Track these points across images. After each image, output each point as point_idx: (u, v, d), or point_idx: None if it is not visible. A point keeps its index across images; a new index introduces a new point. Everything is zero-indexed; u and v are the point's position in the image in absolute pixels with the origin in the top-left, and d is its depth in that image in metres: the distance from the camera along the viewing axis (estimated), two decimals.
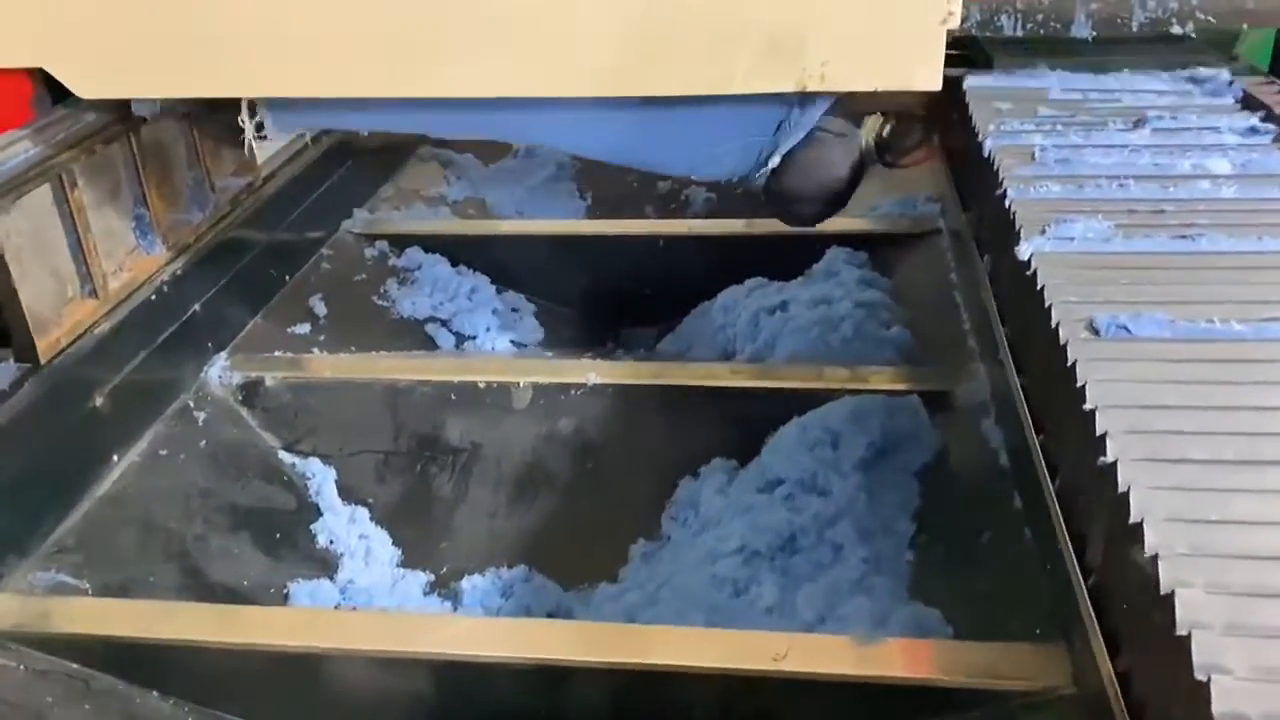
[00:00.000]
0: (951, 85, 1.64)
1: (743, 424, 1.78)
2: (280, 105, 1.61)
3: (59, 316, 1.60)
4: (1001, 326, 1.52)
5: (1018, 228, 1.32)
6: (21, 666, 1.32)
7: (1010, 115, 1.64)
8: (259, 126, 1.62)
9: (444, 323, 2.29)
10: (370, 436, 1.85)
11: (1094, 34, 1.62)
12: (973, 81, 1.73)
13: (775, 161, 1.72)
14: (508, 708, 1.31)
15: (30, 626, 1.33)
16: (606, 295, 2.50)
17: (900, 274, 2.22)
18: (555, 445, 1.83)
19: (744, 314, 2.09)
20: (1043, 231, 1.29)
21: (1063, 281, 1.13)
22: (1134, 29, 1.61)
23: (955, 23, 1.35)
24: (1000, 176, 1.52)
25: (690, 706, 1.26)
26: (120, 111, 1.70)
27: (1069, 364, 1.00)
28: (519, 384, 1.84)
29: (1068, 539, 1.16)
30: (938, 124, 1.86)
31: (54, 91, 1.63)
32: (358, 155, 2.56)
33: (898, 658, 1.22)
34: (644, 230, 2.48)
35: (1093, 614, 1.08)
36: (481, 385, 1.85)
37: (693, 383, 1.81)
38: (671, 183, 2.88)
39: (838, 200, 1.83)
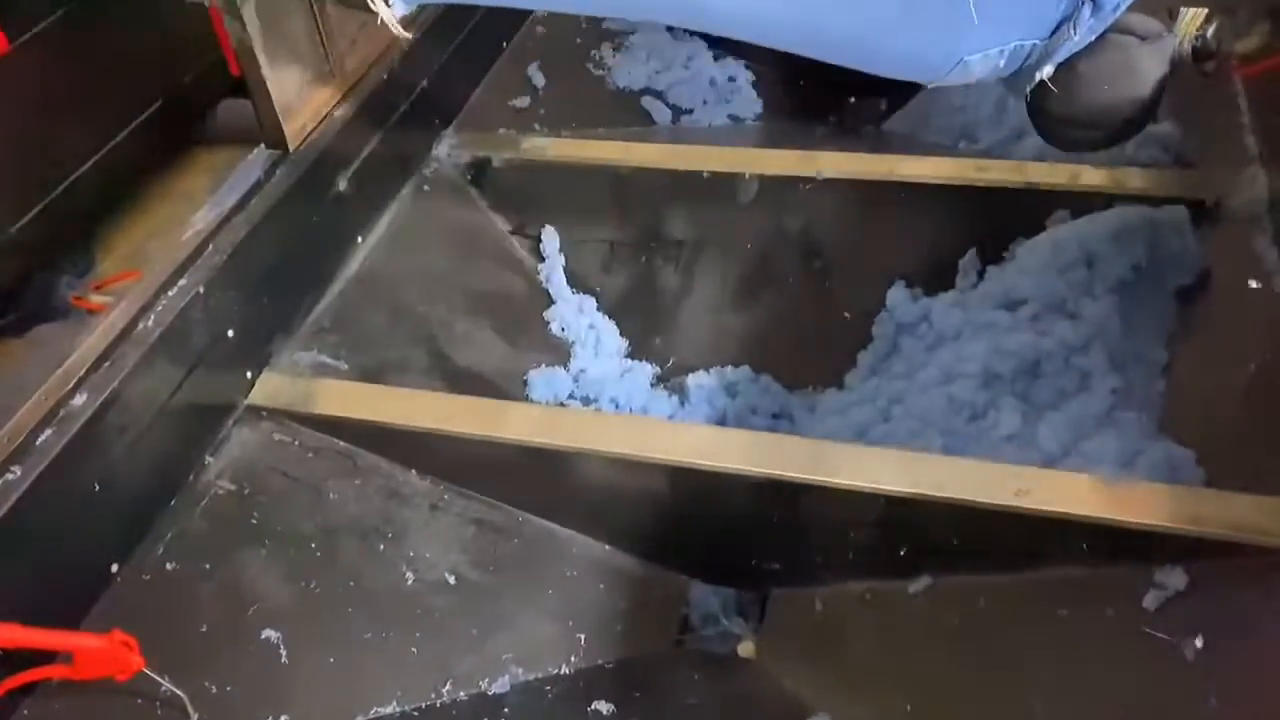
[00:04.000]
0: None
1: (986, 224, 1.68)
2: None
3: (301, 102, 1.62)
4: None
5: None
6: (296, 442, 1.44)
7: None
8: None
9: (659, 94, 2.22)
10: (596, 225, 1.86)
11: None
12: None
13: (1048, 72, 1.29)
14: (737, 516, 1.36)
15: (300, 406, 1.45)
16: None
17: None
18: (781, 242, 1.78)
19: (989, 95, 1.93)
20: None
21: None
22: None
23: None
24: None
25: (924, 533, 1.28)
26: None
27: None
28: (745, 175, 1.79)
29: None
30: None
31: None
32: None
33: (1146, 502, 1.19)
34: None
35: None
36: (706, 175, 1.80)
37: (932, 179, 1.70)
38: None
39: (1137, 124, 1.39)
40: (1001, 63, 1.18)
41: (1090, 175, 1.64)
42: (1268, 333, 1.35)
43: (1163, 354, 1.43)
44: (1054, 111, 1.32)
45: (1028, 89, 1.30)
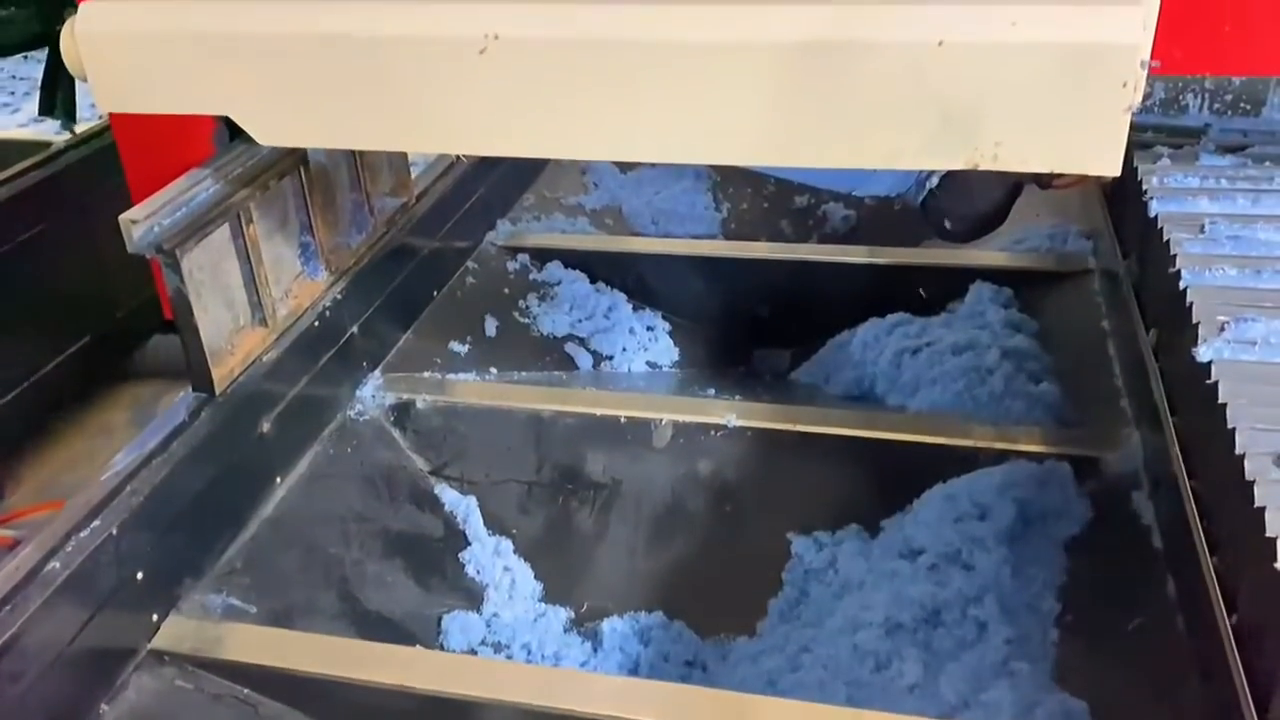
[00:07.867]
0: None
1: (884, 476, 1.78)
2: None
3: (232, 347, 1.67)
4: (1167, 406, 1.49)
5: (1195, 322, 1.28)
6: (197, 689, 1.41)
7: (1172, 165, 1.62)
8: None
9: (582, 341, 2.34)
10: (514, 466, 1.91)
11: None
12: None
13: (934, 181, 1.96)
14: None
15: (205, 651, 1.42)
16: (741, 316, 2.51)
17: (1048, 316, 2.17)
18: (694, 486, 1.85)
19: (886, 353, 2.07)
20: (1221, 330, 1.25)
21: (1247, 402, 1.10)
22: None
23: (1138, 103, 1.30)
24: (1172, 252, 1.48)
25: None
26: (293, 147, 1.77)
27: (1256, 505, 0.98)
28: (660, 421, 1.87)
29: (1232, 642, 1.14)
30: None
31: (231, 128, 1.71)
32: (505, 162, 2.60)
33: None
34: (780, 255, 2.47)
35: None
36: (623, 420, 1.88)
37: (833, 431, 1.80)
38: (809, 197, 2.86)
39: (995, 220, 2.06)
40: (902, 175, 2.08)
41: (981, 433, 1.76)
42: (1149, 586, 1.43)
43: (1054, 604, 1.49)
44: (936, 208, 2.01)
45: (921, 194, 2.02)
